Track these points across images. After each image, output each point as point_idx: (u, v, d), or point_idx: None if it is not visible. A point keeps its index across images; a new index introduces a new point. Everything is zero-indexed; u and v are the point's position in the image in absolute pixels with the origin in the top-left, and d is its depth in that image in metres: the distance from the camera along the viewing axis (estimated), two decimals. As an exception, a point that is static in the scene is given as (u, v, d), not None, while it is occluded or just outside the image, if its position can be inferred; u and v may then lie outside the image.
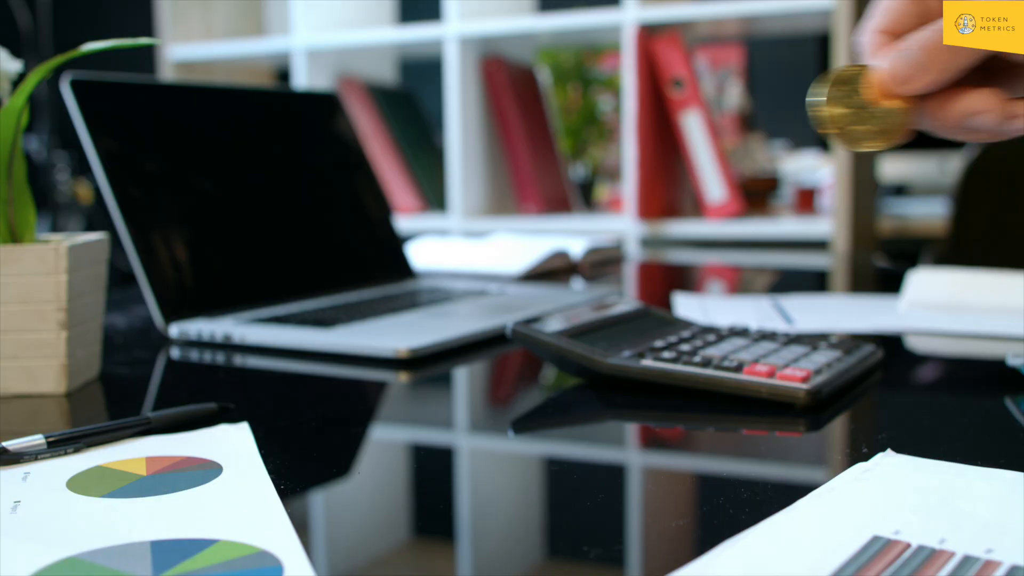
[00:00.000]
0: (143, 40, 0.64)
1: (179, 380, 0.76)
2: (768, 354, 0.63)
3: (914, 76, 0.45)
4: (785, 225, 1.84)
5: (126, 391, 0.69)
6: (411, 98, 2.24)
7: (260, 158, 1.00)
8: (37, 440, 0.49)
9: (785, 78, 2.99)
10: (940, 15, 0.47)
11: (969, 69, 0.45)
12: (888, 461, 0.46)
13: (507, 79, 2.00)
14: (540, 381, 0.75)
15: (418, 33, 2.02)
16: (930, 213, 2.11)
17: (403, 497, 0.51)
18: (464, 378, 0.75)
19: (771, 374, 0.59)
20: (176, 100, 0.95)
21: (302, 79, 2.07)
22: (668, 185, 1.95)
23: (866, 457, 0.47)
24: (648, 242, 1.90)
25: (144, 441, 0.52)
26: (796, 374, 0.58)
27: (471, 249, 1.39)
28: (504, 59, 2.03)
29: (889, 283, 1.14)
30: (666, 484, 0.53)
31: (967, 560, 0.35)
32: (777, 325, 0.84)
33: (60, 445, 0.49)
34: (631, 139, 1.85)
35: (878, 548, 0.36)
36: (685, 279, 1.41)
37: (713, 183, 1.82)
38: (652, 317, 0.75)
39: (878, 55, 0.47)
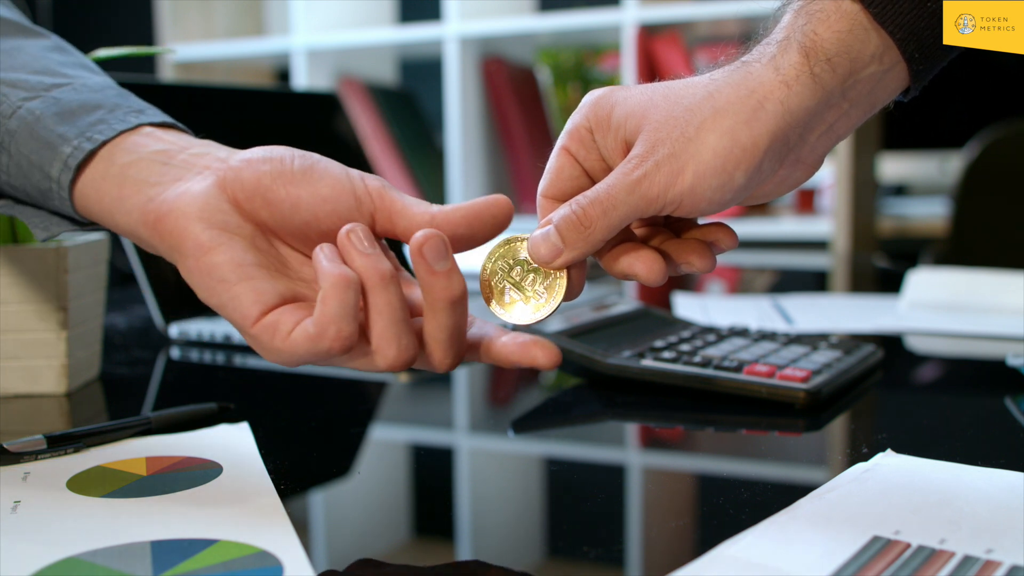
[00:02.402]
0: (157, 49, 0.64)
1: (179, 380, 0.76)
2: (768, 354, 0.63)
3: (555, 256, 0.45)
4: (785, 225, 1.84)
5: (126, 391, 0.69)
6: (411, 98, 2.24)
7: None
8: (37, 440, 0.49)
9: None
10: (599, 176, 0.47)
11: (612, 237, 0.45)
12: (888, 461, 0.46)
13: (507, 79, 2.00)
14: (540, 381, 0.75)
15: (418, 33, 2.02)
16: (930, 213, 2.11)
17: (403, 497, 0.51)
18: (464, 378, 0.75)
19: (771, 374, 0.59)
20: (176, 100, 0.95)
21: (302, 79, 2.07)
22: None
23: (866, 457, 0.47)
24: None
25: (144, 441, 0.52)
26: (796, 374, 0.58)
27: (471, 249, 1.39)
28: (504, 59, 2.03)
29: (889, 283, 1.14)
30: (666, 484, 0.53)
31: (967, 560, 0.35)
32: (777, 325, 0.84)
33: (60, 445, 0.49)
34: (631, 139, 1.85)
35: (878, 548, 0.36)
36: (685, 279, 1.41)
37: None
38: (652, 317, 0.75)
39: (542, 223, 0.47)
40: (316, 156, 0.46)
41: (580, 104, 0.48)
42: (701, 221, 0.49)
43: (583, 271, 0.47)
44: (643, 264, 0.46)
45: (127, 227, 0.46)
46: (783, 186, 0.46)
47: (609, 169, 0.47)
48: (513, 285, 0.46)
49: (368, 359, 0.43)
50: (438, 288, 0.42)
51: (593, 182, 0.47)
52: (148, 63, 2.36)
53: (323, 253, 0.43)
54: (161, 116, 0.51)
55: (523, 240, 0.46)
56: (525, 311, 0.46)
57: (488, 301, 0.47)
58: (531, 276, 0.46)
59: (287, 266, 0.46)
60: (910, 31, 0.43)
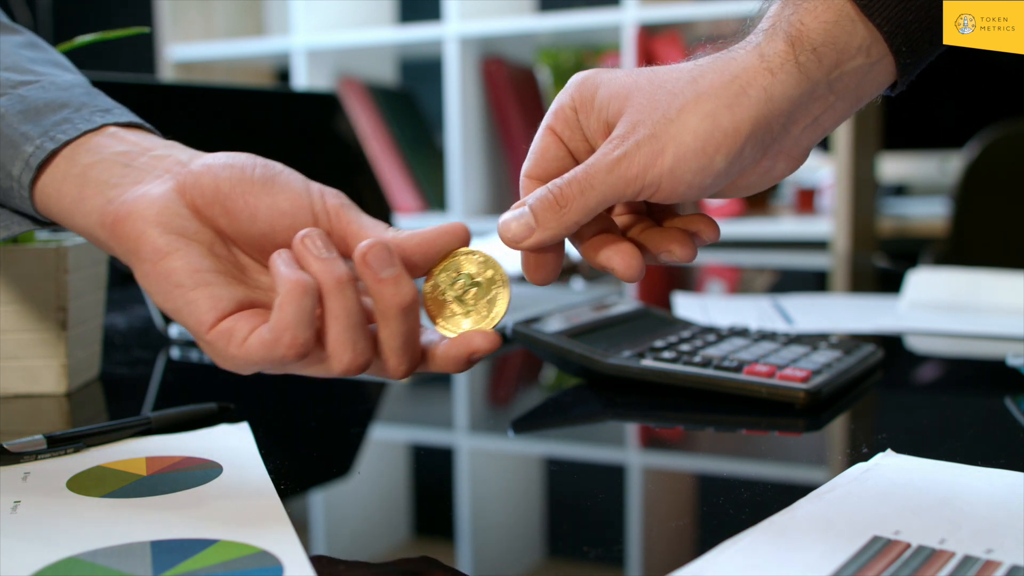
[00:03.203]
0: (133, 30, 0.64)
1: (179, 380, 0.76)
2: (768, 354, 0.63)
3: (526, 236, 0.45)
4: (785, 225, 1.84)
5: (126, 391, 0.69)
6: (411, 98, 2.24)
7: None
8: (37, 440, 0.49)
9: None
10: (583, 157, 0.47)
11: (591, 223, 0.45)
12: (888, 461, 0.46)
13: (507, 79, 2.00)
14: (540, 381, 0.75)
15: (418, 33, 2.02)
16: (930, 213, 2.11)
17: (403, 497, 0.51)
18: (464, 378, 0.75)
19: (771, 374, 0.59)
20: (176, 100, 0.95)
21: (302, 79, 2.07)
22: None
23: (866, 457, 0.47)
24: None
25: (144, 441, 0.52)
26: (796, 374, 0.58)
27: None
28: (504, 59, 2.03)
29: (889, 283, 1.14)
30: (666, 484, 0.53)
31: (967, 560, 0.35)
32: (777, 325, 0.84)
33: (60, 445, 0.49)
34: (631, 139, 1.85)
35: (878, 548, 0.36)
36: (685, 279, 1.41)
37: (713, 183, 1.81)
38: (652, 317, 0.75)
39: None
40: (279, 167, 0.46)
41: (566, 84, 0.48)
42: (684, 213, 0.49)
43: (560, 255, 0.47)
44: (621, 259, 0.45)
45: (86, 228, 0.46)
46: (767, 178, 0.46)
47: (593, 150, 0.47)
48: (455, 299, 0.46)
49: (324, 364, 0.43)
50: (387, 295, 0.42)
51: (577, 162, 0.47)
52: (148, 63, 2.36)
53: (280, 259, 0.42)
54: (128, 116, 0.50)
55: (468, 254, 0.46)
56: (466, 325, 0.46)
57: (430, 315, 0.46)
58: (473, 290, 0.46)
59: (245, 273, 0.45)
60: (897, 24, 0.43)
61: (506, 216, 0.45)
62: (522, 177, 0.48)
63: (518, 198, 0.46)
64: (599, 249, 0.46)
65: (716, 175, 0.43)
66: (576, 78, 0.47)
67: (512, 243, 0.45)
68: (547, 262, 0.46)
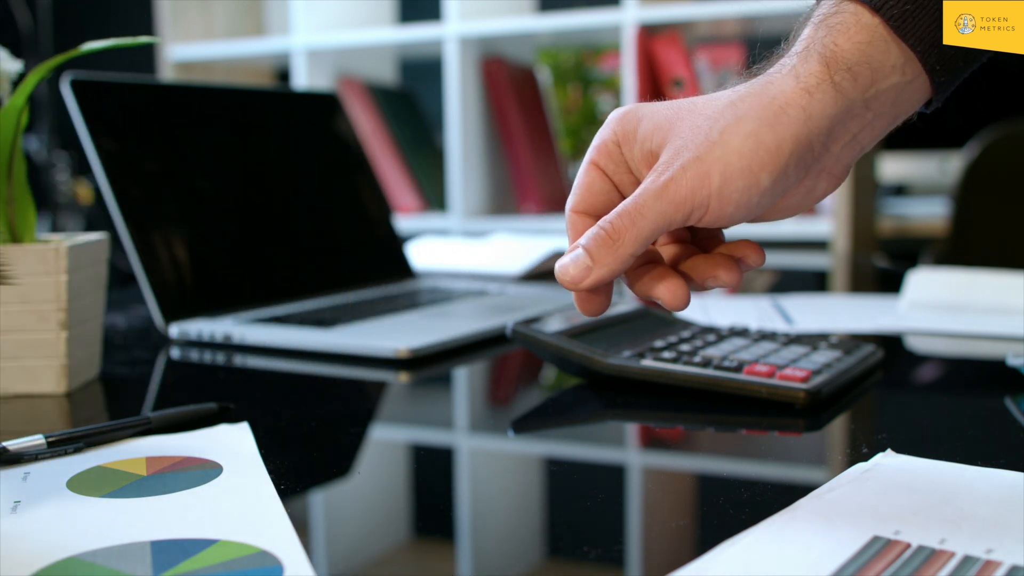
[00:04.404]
0: (142, 39, 0.64)
1: (179, 380, 0.76)
2: (768, 354, 0.63)
3: (584, 276, 0.45)
4: (785, 225, 1.84)
5: (126, 391, 0.69)
6: (411, 98, 2.24)
7: (260, 158, 1.00)
8: (37, 440, 0.49)
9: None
10: (628, 189, 0.48)
11: (640, 254, 0.45)
12: (888, 461, 0.46)
13: (507, 79, 2.00)
14: (540, 381, 0.75)
15: (418, 33, 2.02)
16: (930, 213, 2.11)
17: (403, 497, 0.51)
18: (464, 378, 0.75)
19: (771, 374, 0.59)
20: (176, 100, 0.95)
21: (302, 79, 2.07)
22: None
23: (866, 457, 0.47)
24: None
25: (144, 441, 0.52)
26: (796, 374, 0.58)
27: (471, 249, 1.39)
28: (504, 59, 2.03)
29: (889, 283, 1.14)
30: (666, 484, 0.53)
31: (967, 560, 0.35)
32: (777, 325, 0.84)
33: (60, 445, 0.49)
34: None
35: (878, 548, 0.36)
36: (685, 279, 1.41)
37: (713, 183, 1.81)
38: (652, 317, 0.75)
39: (576, 237, 0.47)
40: None
41: (606, 120, 0.48)
42: (728, 239, 0.49)
43: (611, 285, 0.47)
44: (667, 289, 0.46)
45: None
46: (809, 198, 0.47)
47: (638, 182, 0.47)
48: None
49: None
50: None
51: (622, 195, 0.48)
52: (148, 63, 2.36)
53: None
54: None
55: None
56: None
57: None
58: None
59: None
60: (930, 44, 0.44)
61: (563, 260, 0.46)
62: (569, 213, 0.49)
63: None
64: (644, 279, 0.46)
65: (762, 194, 0.44)
66: (616, 113, 0.48)
67: (571, 285, 0.46)
68: (600, 292, 0.47)
